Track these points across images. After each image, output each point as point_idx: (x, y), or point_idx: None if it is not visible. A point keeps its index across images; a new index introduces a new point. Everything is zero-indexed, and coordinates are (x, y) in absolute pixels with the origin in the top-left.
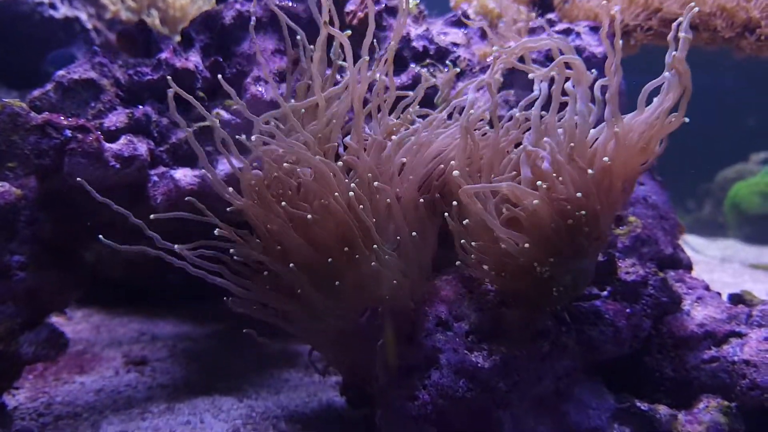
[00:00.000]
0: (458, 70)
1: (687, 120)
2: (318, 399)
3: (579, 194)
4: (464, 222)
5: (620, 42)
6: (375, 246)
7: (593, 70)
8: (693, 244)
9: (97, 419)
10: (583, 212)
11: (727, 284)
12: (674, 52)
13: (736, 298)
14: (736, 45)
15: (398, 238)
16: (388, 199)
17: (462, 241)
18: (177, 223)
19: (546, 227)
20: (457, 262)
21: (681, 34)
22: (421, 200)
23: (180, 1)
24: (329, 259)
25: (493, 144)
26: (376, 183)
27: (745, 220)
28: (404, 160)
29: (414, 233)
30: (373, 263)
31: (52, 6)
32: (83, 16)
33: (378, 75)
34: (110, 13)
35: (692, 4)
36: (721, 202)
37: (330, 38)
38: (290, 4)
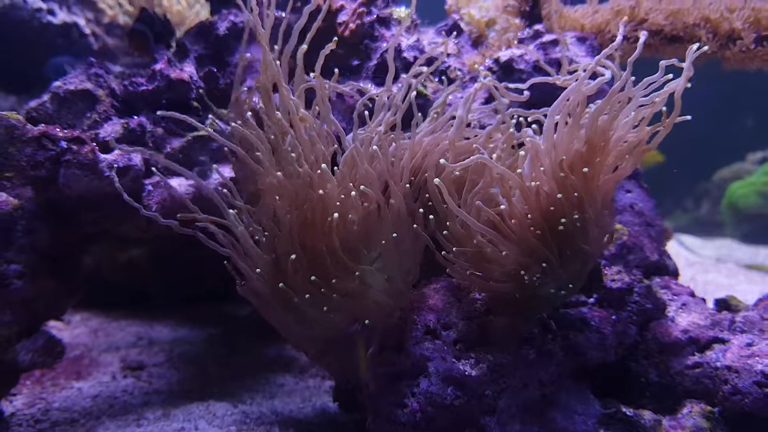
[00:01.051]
0: (455, 85)
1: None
2: (312, 404)
3: (559, 195)
4: (445, 233)
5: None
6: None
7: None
8: (689, 245)
9: (93, 425)
10: (569, 217)
11: (721, 285)
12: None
13: (723, 304)
14: (721, 56)
15: (383, 242)
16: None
17: (444, 251)
18: (174, 230)
19: (530, 234)
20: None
21: (684, 64)
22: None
23: (177, 6)
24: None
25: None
26: (362, 187)
27: (742, 219)
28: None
29: (399, 241)
30: (357, 280)
31: (51, 12)
32: (81, 22)
33: (370, 86)
34: (108, 17)
35: (693, 45)
36: (719, 202)
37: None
38: (283, 15)
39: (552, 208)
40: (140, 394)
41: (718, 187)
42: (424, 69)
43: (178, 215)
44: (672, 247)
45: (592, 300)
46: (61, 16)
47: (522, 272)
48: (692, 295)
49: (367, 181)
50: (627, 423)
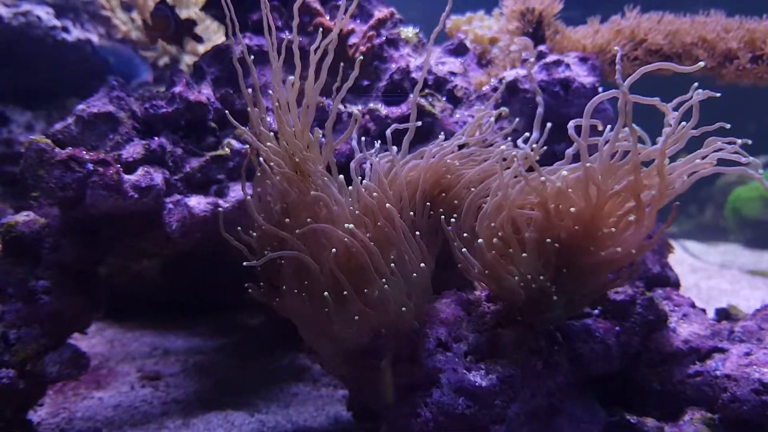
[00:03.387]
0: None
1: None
2: (326, 413)
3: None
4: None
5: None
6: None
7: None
8: (693, 250)
9: None
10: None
11: (724, 291)
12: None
13: (723, 313)
14: (718, 73)
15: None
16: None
17: (464, 249)
18: (193, 246)
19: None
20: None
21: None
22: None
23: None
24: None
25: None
26: (387, 205)
27: (745, 224)
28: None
29: (415, 257)
30: (378, 291)
31: (65, 29)
32: (94, 38)
33: (380, 106)
34: (120, 33)
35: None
36: (723, 207)
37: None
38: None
39: (579, 229)
40: (159, 403)
41: (722, 192)
42: None
43: None
44: (676, 252)
45: (596, 312)
46: (75, 33)
47: (532, 284)
48: (693, 305)
49: (381, 203)
50: (631, 430)
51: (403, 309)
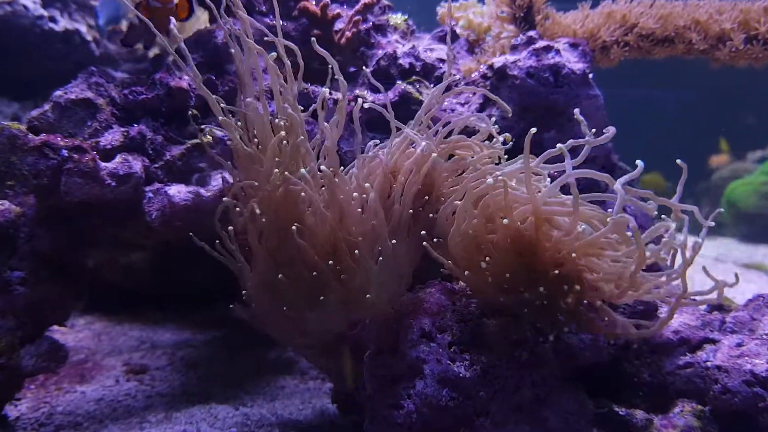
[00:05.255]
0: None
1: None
2: (312, 406)
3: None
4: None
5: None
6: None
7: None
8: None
9: (97, 428)
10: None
11: None
12: None
13: (715, 304)
14: (712, 56)
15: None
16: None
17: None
18: (174, 235)
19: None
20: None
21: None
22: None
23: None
24: (314, 273)
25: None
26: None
27: (741, 218)
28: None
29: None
30: (360, 279)
31: (52, 19)
32: (83, 29)
33: (366, 93)
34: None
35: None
36: (718, 201)
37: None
38: (281, 23)
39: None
40: (143, 397)
41: (718, 187)
42: None
43: None
44: None
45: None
46: (63, 23)
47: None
48: None
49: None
50: (619, 422)
51: (368, 296)
